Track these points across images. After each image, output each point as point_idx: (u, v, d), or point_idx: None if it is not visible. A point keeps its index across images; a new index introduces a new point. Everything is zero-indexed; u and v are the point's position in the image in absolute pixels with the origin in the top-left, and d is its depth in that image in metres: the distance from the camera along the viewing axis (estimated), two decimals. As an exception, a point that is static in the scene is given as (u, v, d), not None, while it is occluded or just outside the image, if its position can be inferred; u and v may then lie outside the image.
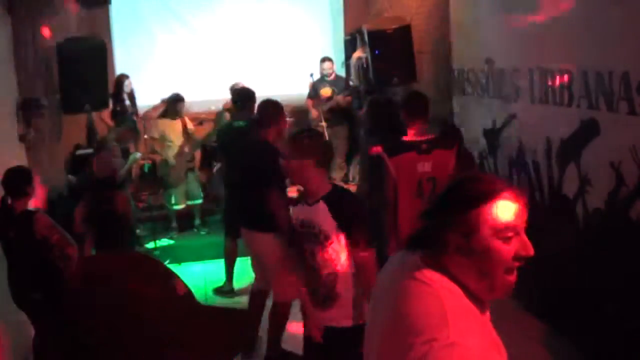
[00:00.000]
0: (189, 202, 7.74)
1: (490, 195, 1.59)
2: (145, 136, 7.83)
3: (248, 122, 5.75)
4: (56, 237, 4.37)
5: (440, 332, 1.48)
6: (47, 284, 4.33)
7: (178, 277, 1.03)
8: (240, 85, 7.61)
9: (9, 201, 4.40)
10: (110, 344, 0.93)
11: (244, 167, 4.78)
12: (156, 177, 7.83)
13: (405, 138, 4.49)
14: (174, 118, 7.60)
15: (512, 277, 1.61)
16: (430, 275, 1.60)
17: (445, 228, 1.60)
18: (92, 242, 5.25)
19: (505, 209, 1.58)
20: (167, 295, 0.98)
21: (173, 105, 7.58)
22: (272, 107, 4.83)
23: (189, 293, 1.03)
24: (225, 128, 6.28)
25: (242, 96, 6.19)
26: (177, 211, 7.79)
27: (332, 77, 8.69)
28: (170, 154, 7.58)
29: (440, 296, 1.57)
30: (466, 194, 1.60)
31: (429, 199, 4.16)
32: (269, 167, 4.55)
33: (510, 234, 1.58)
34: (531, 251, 1.59)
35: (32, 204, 4.61)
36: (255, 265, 5.00)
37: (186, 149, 7.62)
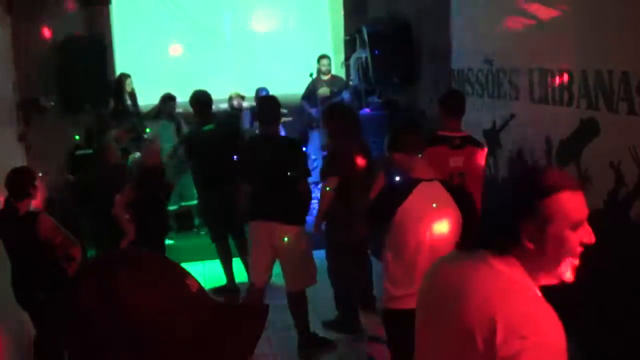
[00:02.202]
0: (183, 203, 7.74)
1: (560, 186, 1.66)
2: (145, 136, 7.82)
3: (215, 124, 6.25)
4: (60, 238, 4.36)
5: (530, 331, 1.54)
6: (50, 285, 4.33)
7: (190, 274, 1.03)
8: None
9: (12, 202, 4.39)
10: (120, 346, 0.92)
11: (269, 163, 4.83)
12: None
13: (440, 132, 4.53)
14: (166, 119, 7.61)
15: (577, 261, 1.70)
16: (511, 274, 1.64)
17: (520, 218, 1.63)
18: (135, 227, 5.31)
19: (575, 200, 1.67)
20: (179, 294, 0.98)
21: (164, 105, 7.60)
22: (274, 103, 5.17)
23: (201, 289, 1.02)
24: (195, 133, 6.38)
25: (203, 100, 6.37)
26: (176, 211, 7.78)
27: (329, 76, 8.67)
28: (163, 155, 7.57)
29: (525, 293, 1.63)
30: (539, 184, 1.65)
31: None
32: (298, 161, 4.98)
33: (579, 223, 1.67)
34: (593, 238, 1.68)
35: (32, 204, 4.61)
36: (262, 260, 4.97)
37: (180, 151, 7.61)
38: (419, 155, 3.51)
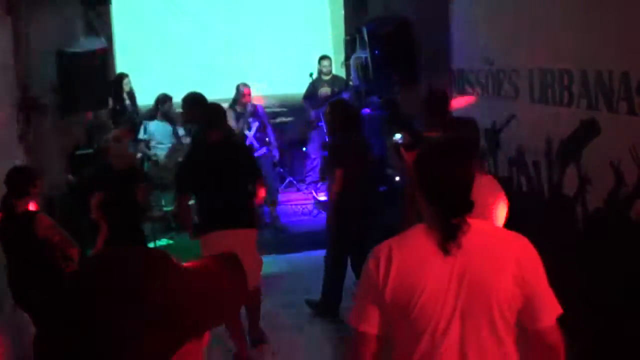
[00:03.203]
0: None
1: None
2: (140, 136, 7.82)
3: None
4: (57, 238, 4.35)
5: None
6: (48, 285, 4.32)
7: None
8: (246, 88, 7.70)
9: (11, 200, 4.37)
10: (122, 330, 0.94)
11: (224, 170, 4.75)
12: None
13: (424, 134, 4.56)
14: (163, 119, 7.60)
15: None
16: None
17: None
18: (107, 230, 5.29)
19: None
20: (175, 268, 1.02)
21: (161, 106, 7.59)
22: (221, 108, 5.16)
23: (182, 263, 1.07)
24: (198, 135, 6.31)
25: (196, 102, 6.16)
26: (173, 212, 7.78)
27: (330, 76, 8.66)
28: (160, 155, 7.56)
29: None
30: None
31: None
32: (253, 164, 5.07)
33: None
34: None
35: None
36: None
37: (177, 151, 7.60)
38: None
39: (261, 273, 5.06)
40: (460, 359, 2.08)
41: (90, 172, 5.90)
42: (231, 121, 7.61)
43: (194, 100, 6.16)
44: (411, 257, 2.10)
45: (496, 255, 2.11)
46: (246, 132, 7.58)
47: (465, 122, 4.48)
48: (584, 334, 4.45)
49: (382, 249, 2.15)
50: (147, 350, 0.93)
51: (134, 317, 0.92)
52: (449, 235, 2.08)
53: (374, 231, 5.34)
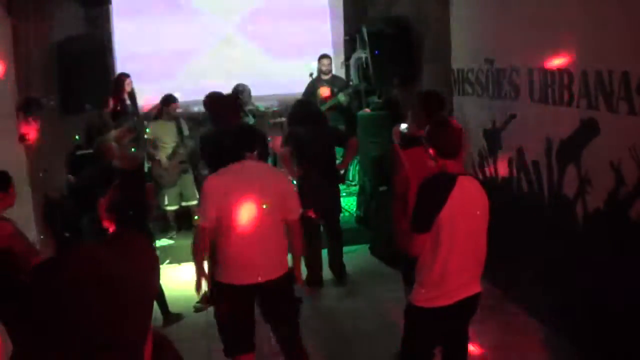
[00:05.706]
0: (184, 204, 7.74)
1: None
2: (145, 136, 7.83)
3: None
4: (20, 247, 3.99)
5: None
6: (9, 299, 4.12)
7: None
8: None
9: None
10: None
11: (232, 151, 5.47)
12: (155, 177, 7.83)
13: (412, 134, 4.57)
14: (167, 119, 7.60)
15: None
16: None
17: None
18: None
19: None
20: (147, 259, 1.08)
21: (165, 107, 7.60)
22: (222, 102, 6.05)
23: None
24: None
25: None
26: (175, 212, 7.79)
27: (329, 76, 8.65)
28: (164, 155, 7.57)
29: None
30: None
31: None
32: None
33: None
34: None
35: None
36: None
37: (180, 151, 7.60)
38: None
39: None
40: (262, 232, 3.92)
41: (92, 173, 5.88)
42: None
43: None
44: (230, 177, 3.98)
45: (269, 176, 4.10)
46: None
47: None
48: (585, 334, 4.45)
49: (217, 176, 4.07)
50: (129, 334, 0.95)
51: (113, 303, 0.94)
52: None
53: None
